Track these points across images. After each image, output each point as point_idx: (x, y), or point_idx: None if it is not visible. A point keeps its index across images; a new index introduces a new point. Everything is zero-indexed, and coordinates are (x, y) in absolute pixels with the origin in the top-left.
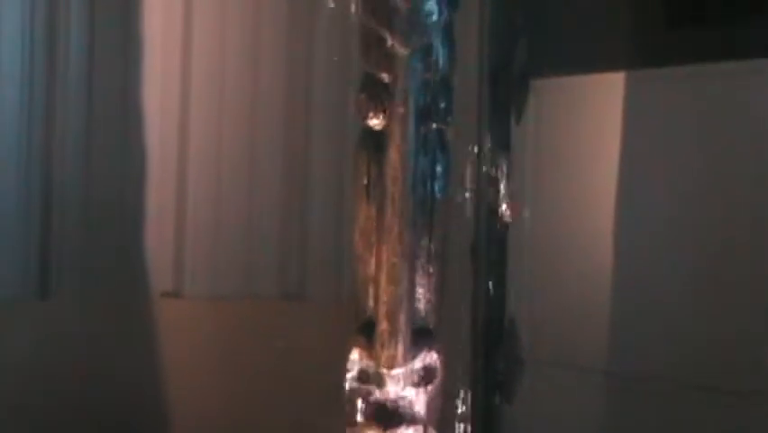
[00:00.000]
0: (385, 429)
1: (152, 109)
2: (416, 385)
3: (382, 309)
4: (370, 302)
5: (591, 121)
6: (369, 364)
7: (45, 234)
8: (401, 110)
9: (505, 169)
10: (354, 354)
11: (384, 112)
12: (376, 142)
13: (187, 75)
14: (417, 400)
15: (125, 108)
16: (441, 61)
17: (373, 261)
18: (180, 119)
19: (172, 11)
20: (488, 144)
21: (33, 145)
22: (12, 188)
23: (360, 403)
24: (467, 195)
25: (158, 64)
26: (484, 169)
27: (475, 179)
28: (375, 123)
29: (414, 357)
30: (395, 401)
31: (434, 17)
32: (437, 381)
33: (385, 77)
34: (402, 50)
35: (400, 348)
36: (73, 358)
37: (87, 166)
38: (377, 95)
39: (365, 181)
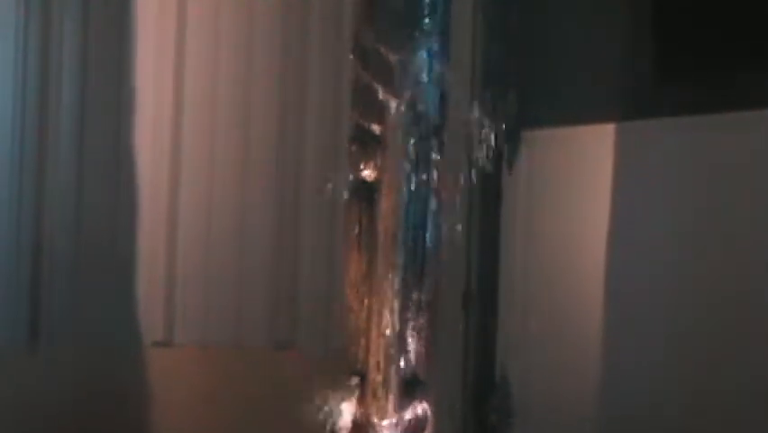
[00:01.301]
0: None
1: (143, 159)
2: None
3: (373, 360)
4: (361, 353)
5: (584, 172)
6: (360, 415)
7: (35, 283)
8: (392, 161)
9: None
10: (345, 405)
11: (375, 163)
12: (367, 192)
13: (179, 126)
14: None
15: (116, 159)
16: (431, 112)
17: (364, 311)
18: (171, 169)
19: (164, 64)
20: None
21: (24, 195)
22: (2, 236)
23: None
24: (458, 245)
25: (149, 115)
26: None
27: (466, 230)
28: (367, 173)
29: (405, 408)
30: None
31: (425, 69)
32: (428, 432)
33: (376, 128)
34: (393, 102)
35: (391, 399)
36: (62, 408)
37: (78, 214)
38: (368, 146)
39: (356, 232)
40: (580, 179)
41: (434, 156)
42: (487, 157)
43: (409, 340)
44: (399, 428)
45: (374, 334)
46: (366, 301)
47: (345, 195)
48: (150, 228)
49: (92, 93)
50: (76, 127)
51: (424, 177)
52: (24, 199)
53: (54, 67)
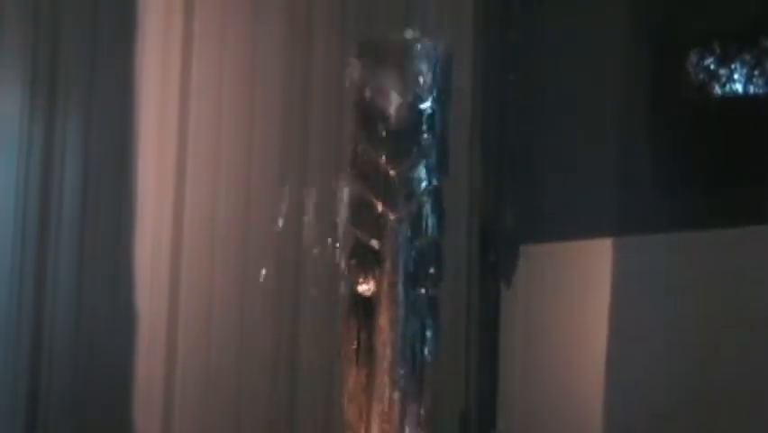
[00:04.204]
0: None
1: (143, 271)
2: None
3: None
4: None
5: (582, 286)
6: None
7: (32, 391)
8: (390, 276)
9: None
10: None
11: (373, 277)
12: (365, 307)
13: (179, 236)
14: None
15: (116, 270)
16: (430, 227)
17: (363, 425)
18: (171, 282)
19: (165, 167)
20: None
21: (24, 303)
22: (1, 344)
23: None
24: (457, 360)
25: (149, 223)
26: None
27: (465, 345)
28: (365, 288)
29: None
30: None
31: (423, 184)
32: None
33: (374, 243)
34: (391, 217)
35: None
36: None
37: (77, 326)
38: (366, 261)
39: (355, 346)
40: (579, 293)
41: (432, 270)
42: (485, 272)
43: None
44: None
45: None
46: (364, 415)
47: (344, 309)
48: (149, 347)
49: (93, 199)
50: (76, 236)
51: (422, 291)
52: (24, 308)
53: (57, 175)
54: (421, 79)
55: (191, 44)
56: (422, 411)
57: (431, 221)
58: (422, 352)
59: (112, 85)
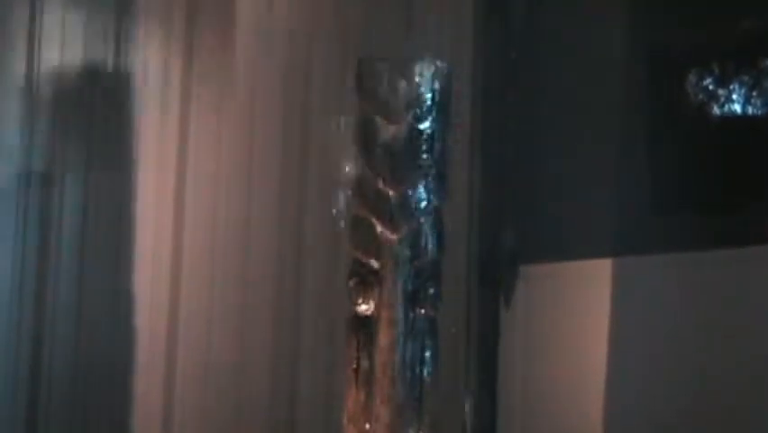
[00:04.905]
0: None
1: (143, 286)
2: None
3: None
4: None
5: (581, 307)
6: None
7: (32, 405)
8: (390, 296)
9: None
10: None
11: (373, 298)
12: (365, 327)
13: (179, 251)
14: None
15: (116, 285)
16: (429, 247)
17: None
18: (171, 297)
19: (164, 182)
20: (476, 329)
21: (24, 318)
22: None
23: None
24: (457, 381)
25: (149, 239)
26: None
27: (465, 365)
28: (364, 308)
29: None
30: None
31: (423, 204)
32: None
33: (374, 263)
34: (391, 237)
35: None
36: None
37: (77, 341)
38: (366, 281)
39: (355, 366)
40: (578, 313)
41: (432, 290)
42: (485, 292)
43: None
44: None
45: None
46: None
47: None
48: (148, 361)
49: (93, 222)
50: (76, 253)
51: (421, 311)
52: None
53: (56, 193)
54: (421, 99)
55: (192, 66)
56: (422, 432)
57: (430, 241)
58: (421, 372)
59: (112, 102)
